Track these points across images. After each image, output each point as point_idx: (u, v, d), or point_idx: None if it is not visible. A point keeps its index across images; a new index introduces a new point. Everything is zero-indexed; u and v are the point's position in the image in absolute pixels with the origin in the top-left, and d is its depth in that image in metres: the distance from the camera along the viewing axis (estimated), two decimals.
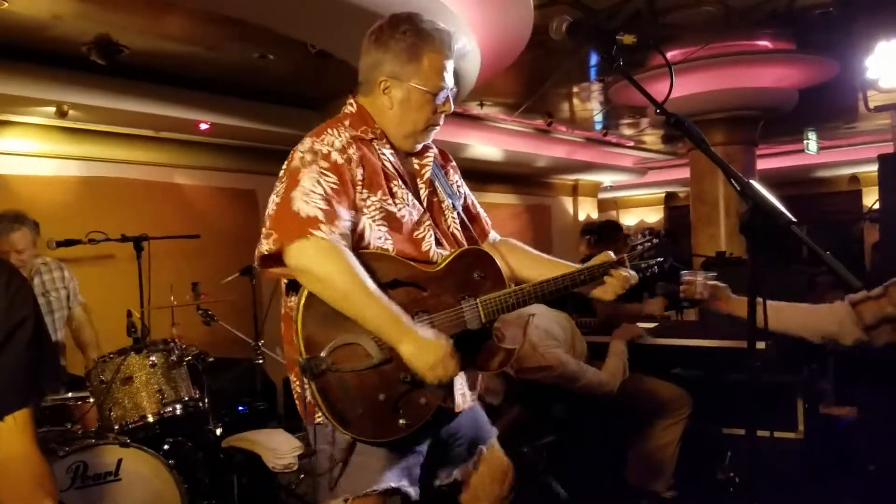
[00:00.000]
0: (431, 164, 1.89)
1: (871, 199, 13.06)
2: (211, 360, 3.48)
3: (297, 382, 1.73)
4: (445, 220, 1.90)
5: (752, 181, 1.36)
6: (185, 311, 4.25)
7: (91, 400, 3.13)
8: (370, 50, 1.80)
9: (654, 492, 3.40)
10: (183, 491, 2.84)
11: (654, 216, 15.65)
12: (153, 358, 3.12)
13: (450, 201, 1.92)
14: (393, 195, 1.76)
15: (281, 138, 6.96)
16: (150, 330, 3.93)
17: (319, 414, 1.67)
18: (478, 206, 2.07)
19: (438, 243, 1.83)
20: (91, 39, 4.71)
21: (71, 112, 5.44)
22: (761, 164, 8.89)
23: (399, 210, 1.75)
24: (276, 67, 5.63)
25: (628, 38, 1.45)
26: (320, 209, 1.60)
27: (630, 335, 3.52)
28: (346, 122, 1.78)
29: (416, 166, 1.89)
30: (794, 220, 1.33)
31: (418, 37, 1.76)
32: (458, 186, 2.00)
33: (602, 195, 13.85)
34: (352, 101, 1.85)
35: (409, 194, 1.80)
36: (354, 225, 1.70)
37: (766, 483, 3.29)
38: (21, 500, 1.36)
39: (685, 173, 8.64)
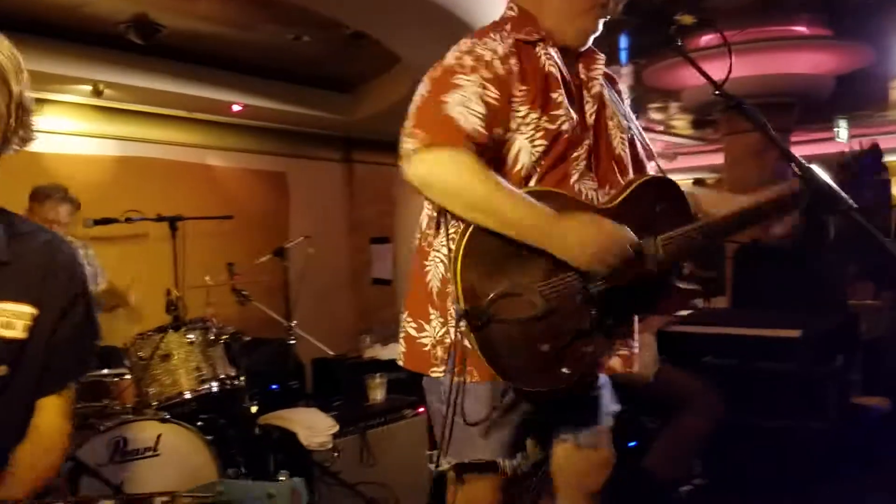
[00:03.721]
0: (601, 76, 1.72)
1: None
2: (247, 339, 3.52)
3: (421, 329, 1.64)
4: (612, 142, 1.72)
5: (812, 165, 1.35)
6: (219, 291, 4.29)
7: (128, 376, 3.18)
8: None
9: (669, 482, 3.36)
10: (219, 466, 2.88)
11: None
12: (191, 336, 3.15)
13: (621, 120, 1.74)
14: (556, 106, 1.59)
15: (313, 121, 7.01)
16: (186, 308, 3.98)
17: (435, 368, 1.60)
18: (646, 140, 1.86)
19: (589, 170, 1.66)
20: (128, 18, 4.74)
21: (106, 91, 5.48)
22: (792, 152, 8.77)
23: (559, 126, 1.59)
24: (309, 49, 5.64)
25: (687, 19, 1.42)
26: (478, 127, 1.47)
27: (658, 326, 3.49)
28: (508, 27, 1.63)
29: (584, 77, 1.71)
30: (854, 205, 1.31)
31: None
32: (622, 97, 1.82)
33: None
34: (511, 4, 1.70)
35: (572, 108, 1.63)
36: (502, 144, 1.57)
37: (796, 473, 3.30)
38: (46, 471, 1.40)
39: (714, 159, 8.54)
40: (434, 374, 1.62)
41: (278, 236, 6.26)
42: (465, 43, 1.58)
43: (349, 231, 7.97)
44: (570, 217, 1.49)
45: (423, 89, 1.55)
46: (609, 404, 1.84)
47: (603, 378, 1.81)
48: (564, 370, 1.53)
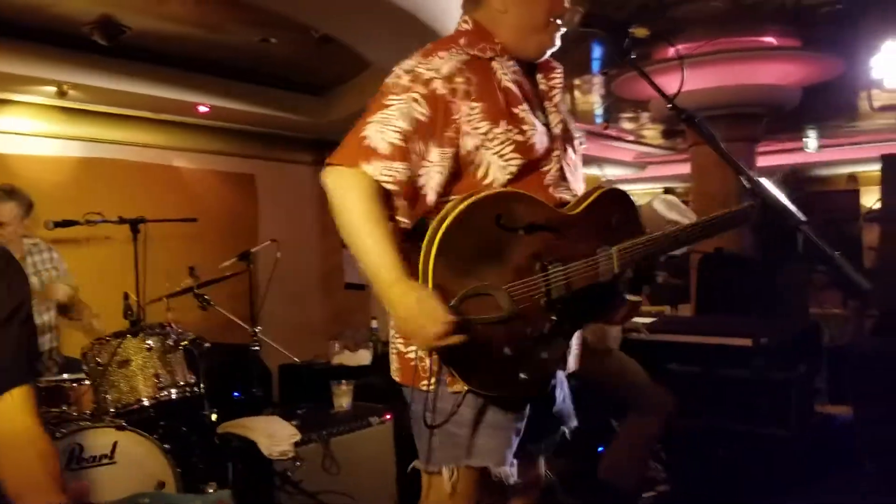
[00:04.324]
0: (561, 86, 1.73)
1: (868, 198, 13.07)
2: (207, 345, 3.47)
3: (408, 343, 1.65)
4: (575, 152, 1.74)
5: (762, 179, 1.35)
6: (181, 295, 4.23)
7: (87, 382, 3.12)
8: None
9: (630, 487, 3.36)
10: (177, 475, 2.83)
11: None
12: (150, 342, 3.11)
13: (574, 127, 1.77)
14: (519, 121, 1.60)
15: (281, 123, 6.95)
16: (145, 313, 3.91)
17: (424, 381, 1.58)
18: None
19: (563, 179, 1.68)
20: (94, 19, 4.68)
21: (70, 92, 5.40)
22: (760, 161, 8.89)
23: (529, 138, 1.59)
24: (277, 51, 5.60)
25: (641, 31, 1.42)
26: (389, 143, 1.49)
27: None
28: (462, 41, 1.63)
29: (544, 87, 1.73)
30: (804, 220, 1.31)
31: None
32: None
33: None
34: (465, 18, 1.70)
35: (537, 120, 1.64)
36: (469, 162, 1.58)
37: (760, 480, 3.33)
38: (24, 479, 1.36)
39: (684, 169, 8.63)
40: (422, 386, 1.61)
41: (246, 240, 6.18)
42: (409, 61, 1.59)
43: (321, 234, 7.92)
44: (405, 287, 1.47)
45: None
46: (569, 416, 1.86)
47: (562, 392, 1.82)
48: (522, 375, 1.54)
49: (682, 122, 1.43)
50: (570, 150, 1.73)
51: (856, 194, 13.55)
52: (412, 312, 1.44)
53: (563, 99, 1.78)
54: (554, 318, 1.56)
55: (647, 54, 6.19)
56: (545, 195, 1.62)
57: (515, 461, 1.67)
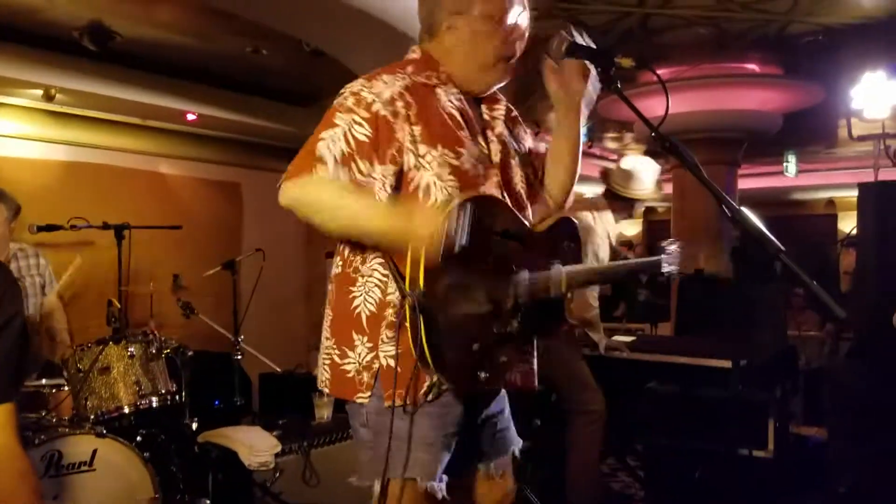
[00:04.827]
0: (503, 117, 1.81)
1: (846, 223, 13.29)
2: (190, 353, 3.46)
3: (345, 356, 1.67)
4: (514, 178, 1.80)
5: (742, 208, 1.39)
6: (164, 302, 4.23)
7: (66, 388, 3.10)
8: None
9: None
10: (156, 483, 2.82)
11: (633, 229, 15.80)
12: (132, 349, 3.08)
13: (519, 160, 1.84)
14: (458, 145, 1.66)
15: (268, 132, 6.96)
16: (128, 320, 3.90)
17: (361, 394, 1.64)
18: (540, 148, 1.96)
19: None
20: (84, 24, 4.68)
21: (58, 96, 5.39)
22: (740, 184, 9.02)
23: (463, 163, 1.66)
24: (267, 62, 5.64)
25: (627, 62, 1.47)
26: (335, 156, 1.58)
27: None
28: (409, 69, 1.71)
29: (487, 117, 1.80)
30: (782, 248, 1.35)
31: None
32: (522, 136, 1.91)
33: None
34: (414, 48, 1.78)
35: (476, 146, 1.71)
36: (408, 180, 1.63)
37: (737, 500, 3.37)
38: (4, 493, 1.36)
39: (665, 188, 8.71)
40: (359, 401, 1.65)
41: (230, 247, 6.19)
42: (355, 84, 1.67)
43: (305, 244, 7.92)
44: (398, 208, 1.58)
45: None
46: (515, 437, 1.91)
47: (507, 411, 1.88)
48: (482, 374, 1.60)
49: (664, 150, 1.46)
50: (514, 178, 1.80)
51: (834, 219, 13.78)
52: (411, 219, 1.52)
53: (515, 130, 1.88)
54: (518, 322, 1.64)
55: (633, 77, 6.30)
56: None
57: (445, 477, 1.69)
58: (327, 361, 1.72)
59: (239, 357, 4.32)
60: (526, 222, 1.72)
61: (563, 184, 1.89)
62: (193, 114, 6.03)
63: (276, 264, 5.04)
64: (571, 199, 1.94)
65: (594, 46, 1.72)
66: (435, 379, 1.59)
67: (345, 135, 1.60)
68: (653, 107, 1.68)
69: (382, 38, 4.11)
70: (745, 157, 7.96)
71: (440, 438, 1.67)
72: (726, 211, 1.39)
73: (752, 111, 7.03)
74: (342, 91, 1.68)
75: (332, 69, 5.22)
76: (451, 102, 1.71)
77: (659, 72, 1.71)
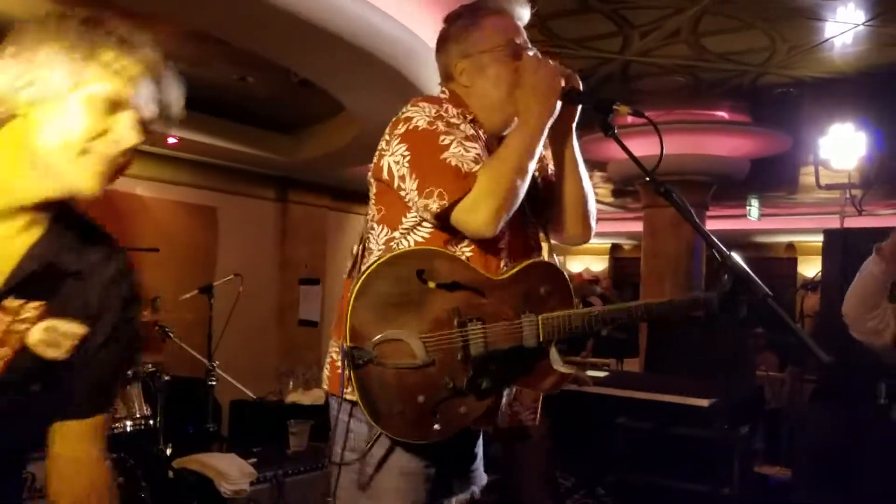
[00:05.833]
0: None
1: (805, 266, 13.64)
2: (167, 378, 3.44)
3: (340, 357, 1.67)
4: (526, 222, 1.81)
5: (732, 253, 1.46)
6: (141, 324, 4.18)
7: None
8: (440, 49, 1.80)
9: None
10: None
11: (599, 265, 16.05)
12: None
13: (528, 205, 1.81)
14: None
15: (247, 158, 6.97)
16: None
17: (345, 390, 1.62)
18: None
19: (512, 249, 1.74)
20: None
21: None
22: (708, 225, 9.24)
23: None
24: (253, 90, 5.66)
25: (624, 109, 1.52)
26: (473, 171, 1.57)
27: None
28: (444, 104, 1.73)
29: None
30: (770, 293, 1.42)
31: (474, 11, 1.77)
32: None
33: (553, 241, 14.10)
34: (443, 88, 1.82)
35: None
36: None
37: None
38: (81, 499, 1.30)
39: (632, 226, 8.88)
40: (349, 397, 1.64)
41: (205, 271, 6.16)
42: (425, 107, 1.67)
43: (279, 269, 7.90)
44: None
45: (402, 158, 1.62)
46: (482, 476, 1.91)
47: (480, 449, 1.89)
48: (436, 427, 1.58)
49: (659, 195, 1.53)
50: (526, 220, 1.81)
51: (794, 262, 14.12)
52: (534, 92, 1.64)
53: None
54: (471, 373, 1.59)
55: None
56: (496, 266, 1.68)
57: None
58: (328, 360, 1.76)
59: (213, 383, 4.29)
60: (484, 272, 1.65)
61: (577, 214, 1.94)
62: (175, 137, 6.02)
63: (251, 290, 5.02)
64: (593, 221, 2.00)
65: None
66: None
67: (468, 151, 1.60)
68: (632, 148, 1.73)
69: (383, 78, 4.18)
70: (714, 200, 8.17)
71: (420, 469, 1.68)
72: (717, 255, 1.46)
73: (722, 157, 7.25)
74: (399, 126, 1.66)
75: (316, 99, 5.28)
76: (476, 135, 1.72)
77: (633, 117, 1.77)
